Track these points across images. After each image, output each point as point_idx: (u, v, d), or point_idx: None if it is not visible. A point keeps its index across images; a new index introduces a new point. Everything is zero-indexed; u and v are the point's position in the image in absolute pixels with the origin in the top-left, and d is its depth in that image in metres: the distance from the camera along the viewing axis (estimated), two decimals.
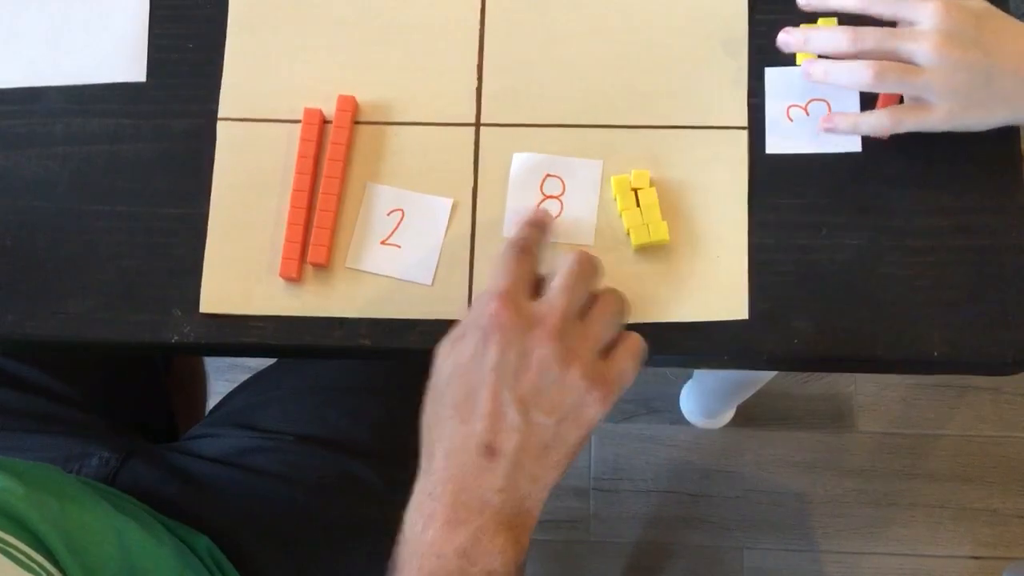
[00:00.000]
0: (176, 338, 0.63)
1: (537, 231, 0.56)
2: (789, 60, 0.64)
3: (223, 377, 1.33)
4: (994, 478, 1.46)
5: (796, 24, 0.62)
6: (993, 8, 0.59)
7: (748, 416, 1.48)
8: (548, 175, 0.62)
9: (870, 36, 0.58)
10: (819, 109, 0.63)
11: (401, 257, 0.63)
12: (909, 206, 0.62)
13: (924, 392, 1.51)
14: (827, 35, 0.60)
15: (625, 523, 1.45)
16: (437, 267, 0.62)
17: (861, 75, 0.58)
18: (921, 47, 0.57)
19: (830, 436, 1.49)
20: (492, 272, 0.53)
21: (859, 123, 0.61)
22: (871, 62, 0.57)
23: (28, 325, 0.64)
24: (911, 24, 0.58)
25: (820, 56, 0.61)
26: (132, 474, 0.75)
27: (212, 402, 0.94)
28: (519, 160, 0.63)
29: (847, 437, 1.49)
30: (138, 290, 0.63)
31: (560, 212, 0.62)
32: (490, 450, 0.50)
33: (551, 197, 0.62)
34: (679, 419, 1.48)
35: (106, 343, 0.64)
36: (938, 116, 0.58)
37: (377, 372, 0.83)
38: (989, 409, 1.50)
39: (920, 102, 0.59)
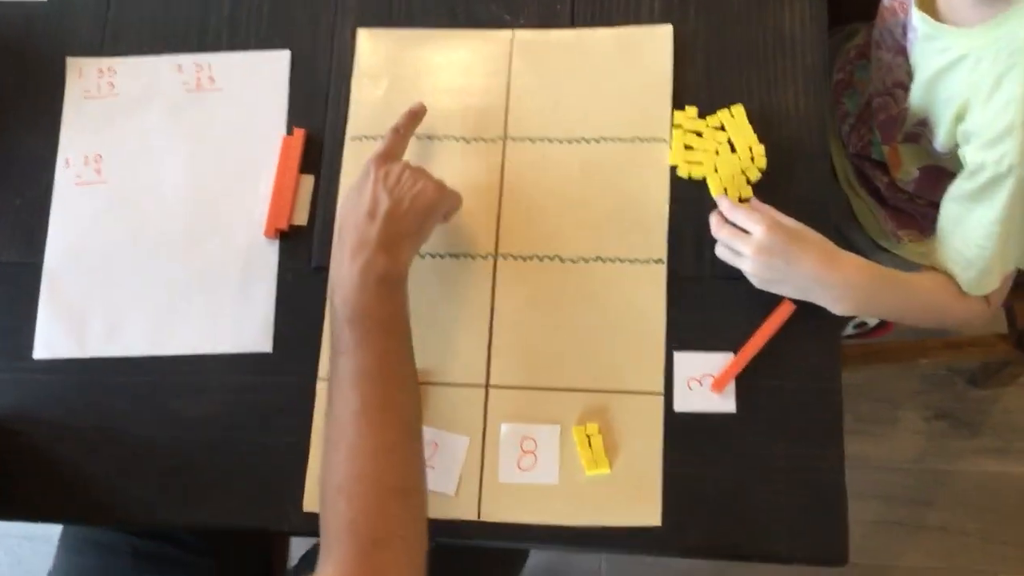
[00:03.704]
0: (287, 527, 0.96)
1: (410, 119, 1.00)
2: (691, 346, 0.97)
3: None
4: None
5: (701, 335, 0.97)
6: (805, 229, 0.94)
7: None
8: (524, 436, 0.96)
9: (724, 233, 0.97)
10: (707, 381, 0.96)
11: (434, 475, 0.96)
12: (766, 450, 0.94)
13: (879, 528, 1.78)
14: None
15: None
16: (459, 482, 0.95)
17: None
18: (746, 254, 0.94)
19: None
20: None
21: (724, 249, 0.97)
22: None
23: (185, 513, 0.98)
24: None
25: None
26: None
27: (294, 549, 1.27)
28: (505, 427, 0.97)
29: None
30: (264, 491, 0.97)
31: (535, 461, 0.95)
32: (370, 215, 0.90)
33: (528, 452, 0.95)
34: None
35: (241, 527, 0.98)
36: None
37: None
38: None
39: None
